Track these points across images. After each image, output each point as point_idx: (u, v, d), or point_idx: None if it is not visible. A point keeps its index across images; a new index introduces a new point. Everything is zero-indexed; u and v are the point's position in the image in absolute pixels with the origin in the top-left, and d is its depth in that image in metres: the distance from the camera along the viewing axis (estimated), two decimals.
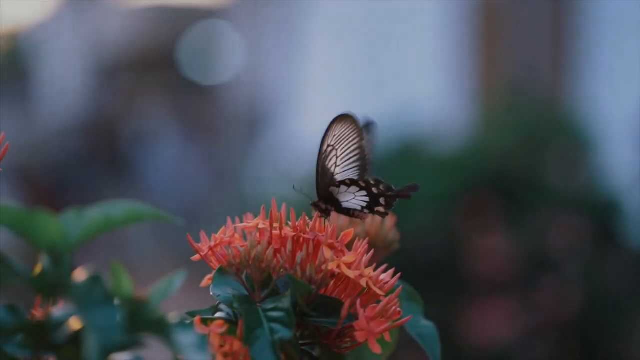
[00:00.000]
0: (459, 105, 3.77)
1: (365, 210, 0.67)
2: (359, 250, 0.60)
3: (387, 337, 0.58)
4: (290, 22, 5.12)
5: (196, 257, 0.62)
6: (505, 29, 3.80)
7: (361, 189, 0.67)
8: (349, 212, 0.67)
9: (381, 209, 0.67)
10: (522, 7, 3.73)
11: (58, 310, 0.53)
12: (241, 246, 0.59)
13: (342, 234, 0.62)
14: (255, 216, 0.63)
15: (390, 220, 0.71)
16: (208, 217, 5.00)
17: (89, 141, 6.52)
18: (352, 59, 4.41)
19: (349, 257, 0.59)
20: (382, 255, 0.70)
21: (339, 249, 0.60)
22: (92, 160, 6.41)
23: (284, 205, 0.61)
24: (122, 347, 0.50)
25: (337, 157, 0.67)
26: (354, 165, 0.68)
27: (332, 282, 0.60)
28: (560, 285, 2.36)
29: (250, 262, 0.58)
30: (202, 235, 0.62)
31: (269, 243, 0.60)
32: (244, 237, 0.62)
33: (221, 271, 0.60)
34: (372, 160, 0.69)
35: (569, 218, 2.42)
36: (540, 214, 2.44)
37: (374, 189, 0.67)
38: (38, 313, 0.56)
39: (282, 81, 5.27)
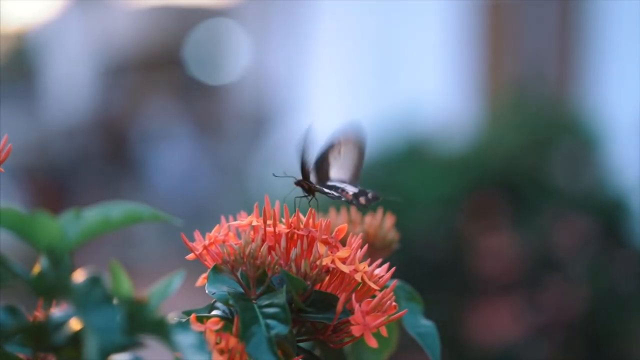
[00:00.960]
0: (464, 105, 3.76)
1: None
2: (353, 246, 0.60)
3: (383, 331, 0.58)
4: (296, 21, 5.12)
5: (191, 256, 0.63)
6: (512, 27, 3.80)
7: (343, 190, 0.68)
8: (328, 194, 0.68)
9: (362, 201, 0.68)
10: (529, 5, 3.73)
11: (58, 311, 0.54)
12: (235, 244, 0.60)
13: (336, 229, 0.62)
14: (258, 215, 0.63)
15: (389, 220, 0.72)
16: (214, 216, 5.00)
17: (95, 141, 6.53)
18: (358, 58, 4.41)
19: (343, 252, 0.59)
20: (381, 255, 0.70)
21: (333, 244, 0.61)
22: (98, 160, 6.42)
23: (277, 202, 0.62)
24: (121, 348, 0.50)
25: (336, 159, 0.69)
26: (347, 169, 0.69)
27: (327, 278, 0.60)
28: (566, 285, 2.35)
29: (245, 259, 0.59)
30: (197, 234, 0.62)
31: (263, 240, 0.60)
32: (239, 235, 0.62)
33: (216, 269, 0.60)
34: (363, 162, 0.70)
35: (575, 218, 2.42)
36: (546, 214, 2.43)
37: (350, 196, 0.68)
38: (39, 314, 0.56)
39: (288, 80, 5.28)
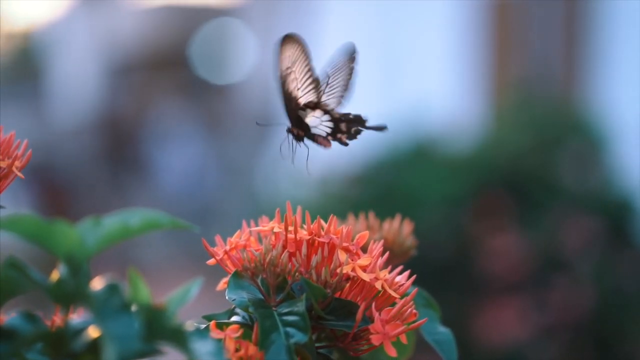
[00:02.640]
0: (471, 105, 3.76)
1: (330, 137, 0.68)
2: (374, 253, 0.60)
3: (403, 339, 0.58)
4: (302, 20, 5.12)
5: (212, 261, 0.62)
6: (519, 27, 3.79)
7: (325, 112, 0.68)
8: (315, 138, 0.68)
9: (343, 137, 0.68)
10: (536, 5, 3.73)
11: (76, 318, 0.54)
12: (256, 250, 0.60)
13: (357, 236, 0.62)
14: (269, 217, 0.63)
15: (407, 226, 0.72)
16: (220, 216, 5.00)
17: (102, 140, 6.54)
18: (364, 57, 4.40)
19: (364, 260, 0.59)
20: (399, 261, 0.70)
21: (354, 252, 0.60)
22: (105, 160, 6.42)
23: (298, 209, 0.62)
24: (140, 355, 0.50)
25: (296, 80, 0.68)
26: (311, 87, 0.69)
27: (347, 285, 0.60)
28: (573, 285, 2.35)
29: (265, 266, 0.59)
30: (218, 239, 0.62)
31: (284, 247, 0.60)
32: (259, 240, 0.62)
33: (236, 275, 0.60)
34: (353, 84, 0.71)
35: (581, 218, 2.42)
36: (553, 214, 2.43)
37: (335, 114, 0.68)
38: (57, 320, 0.56)
39: None
